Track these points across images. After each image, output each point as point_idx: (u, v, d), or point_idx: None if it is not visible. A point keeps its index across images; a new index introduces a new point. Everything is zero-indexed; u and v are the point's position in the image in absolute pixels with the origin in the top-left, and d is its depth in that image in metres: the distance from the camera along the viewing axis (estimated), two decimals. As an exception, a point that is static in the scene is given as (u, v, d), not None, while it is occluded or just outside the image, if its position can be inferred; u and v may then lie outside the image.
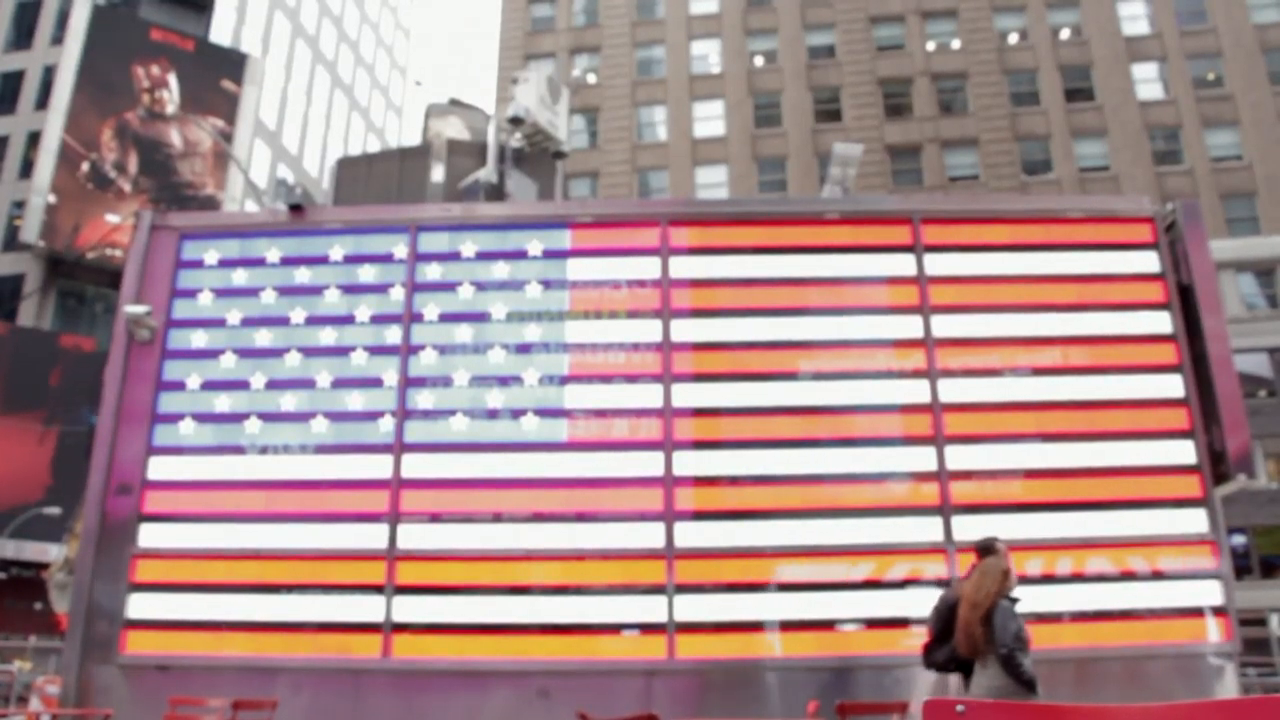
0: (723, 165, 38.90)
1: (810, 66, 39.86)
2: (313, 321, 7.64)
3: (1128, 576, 6.82)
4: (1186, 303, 7.43)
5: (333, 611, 6.92)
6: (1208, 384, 7.18)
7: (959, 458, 7.08)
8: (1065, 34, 39.01)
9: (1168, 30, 37.79)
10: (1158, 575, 6.80)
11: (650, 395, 7.27)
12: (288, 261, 7.82)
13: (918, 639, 6.77)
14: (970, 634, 5.07)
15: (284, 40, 45.98)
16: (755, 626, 6.81)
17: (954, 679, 6.42)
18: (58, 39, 37.87)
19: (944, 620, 5.49)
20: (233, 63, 39.22)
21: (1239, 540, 30.01)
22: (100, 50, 36.11)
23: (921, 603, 6.76)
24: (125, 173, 36.03)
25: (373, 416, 7.34)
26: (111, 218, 34.60)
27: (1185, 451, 7.10)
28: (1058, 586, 6.81)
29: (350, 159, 12.05)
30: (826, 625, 6.78)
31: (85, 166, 35.21)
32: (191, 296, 7.76)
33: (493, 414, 7.30)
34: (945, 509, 6.94)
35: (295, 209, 8.00)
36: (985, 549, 5.45)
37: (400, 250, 7.76)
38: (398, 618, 6.84)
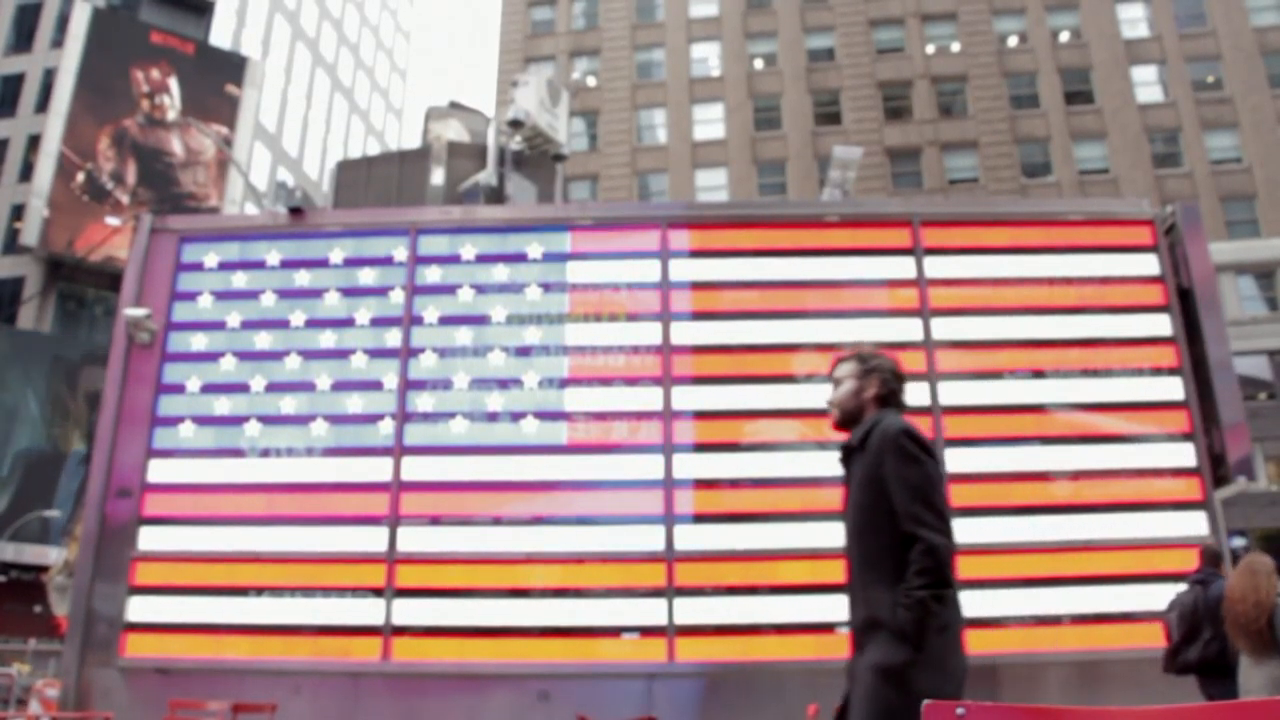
0: (722, 168, 38.92)
1: (810, 69, 39.89)
2: (312, 324, 7.64)
3: (1128, 579, 6.81)
4: (1186, 305, 7.43)
5: (333, 614, 6.92)
6: (1208, 387, 7.18)
7: (959, 460, 7.07)
8: (1065, 37, 39.05)
9: (1167, 33, 37.83)
10: (1158, 578, 6.80)
11: (650, 398, 7.28)
12: (287, 264, 7.82)
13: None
14: (1256, 632, 4.97)
15: (284, 43, 46.03)
16: (755, 629, 6.80)
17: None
18: (58, 42, 37.87)
19: (1192, 622, 5.50)
20: (233, 66, 39.23)
21: (1239, 543, 29.97)
22: (99, 54, 36.03)
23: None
24: (123, 183, 35.82)
25: (373, 419, 7.34)
26: (112, 220, 34.57)
27: (1185, 454, 7.11)
28: (1058, 589, 6.80)
29: (350, 162, 12.06)
30: (826, 628, 6.78)
31: (80, 177, 34.91)
32: (191, 299, 7.76)
33: (492, 417, 7.30)
34: (945, 512, 6.93)
35: (295, 212, 8.00)
36: (1216, 552, 5.47)
37: (400, 253, 7.76)
38: (398, 620, 6.84)
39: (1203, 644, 5.52)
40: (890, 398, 3.46)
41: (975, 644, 6.58)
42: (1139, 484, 7.06)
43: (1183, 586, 6.13)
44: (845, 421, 3.52)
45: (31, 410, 32.92)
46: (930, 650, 3.06)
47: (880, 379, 3.45)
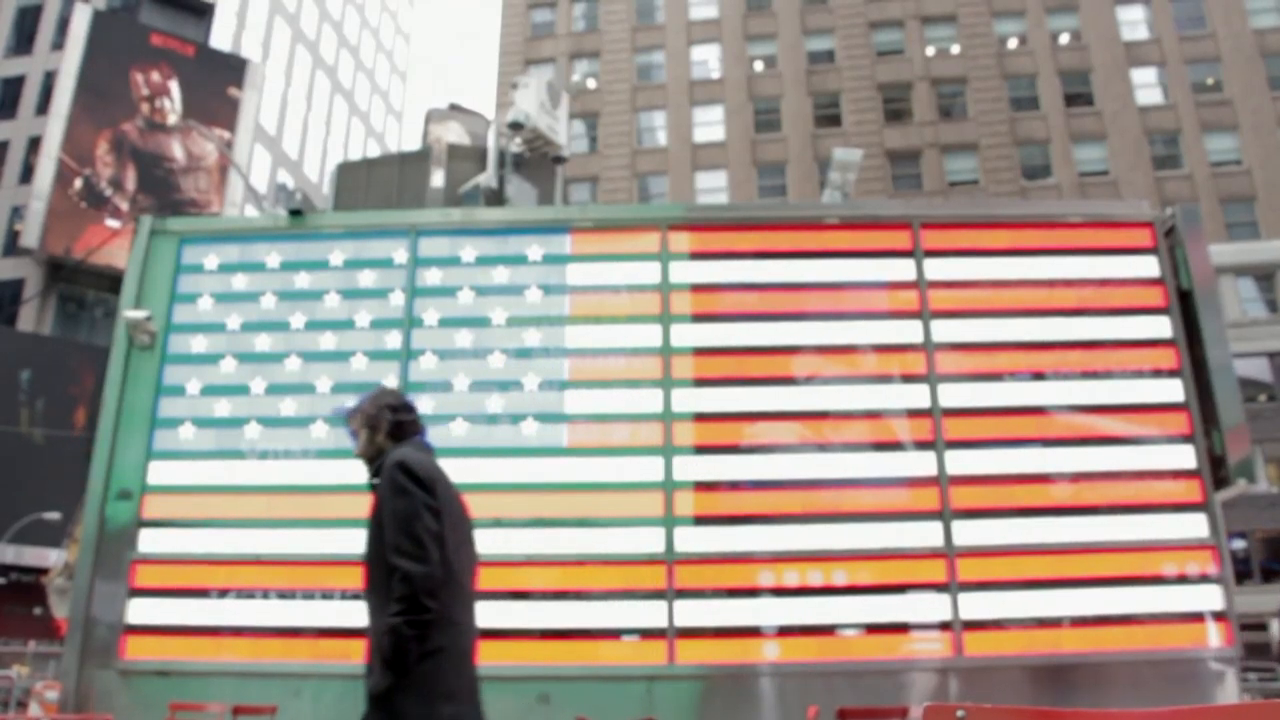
0: (722, 170, 38.95)
1: (810, 72, 39.92)
2: (313, 326, 7.64)
3: (1128, 581, 6.81)
4: (1186, 307, 7.44)
5: (333, 617, 6.91)
6: (1208, 389, 7.18)
7: (959, 462, 7.08)
8: (1064, 39, 39.09)
9: (1167, 35, 37.86)
10: (1158, 580, 6.80)
11: (650, 400, 7.28)
12: (288, 266, 7.82)
13: (918, 643, 6.78)
14: None
15: (284, 45, 46.06)
16: (755, 632, 6.80)
17: (954, 684, 6.43)
18: (58, 44, 37.88)
19: None
20: (233, 68, 39.24)
21: (1239, 545, 29.97)
22: (100, 56, 35.98)
23: (921, 607, 6.76)
24: (122, 189, 35.71)
25: (373, 421, 7.33)
26: (111, 222, 34.53)
27: (1185, 456, 7.10)
28: (1058, 591, 6.80)
29: (350, 164, 12.06)
30: (827, 630, 6.78)
31: (78, 183, 34.80)
32: (191, 301, 7.77)
33: (493, 419, 7.30)
34: (945, 514, 6.94)
35: (295, 214, 8.01)
36: None
37: (400, 255, 7.77)
38: (397, 623, 6.83)
39: None
40: (400, 429, 3.84)
41: (976, 645, 6.62)
42: (1139, 486, 7.05)
43: None
44: (373, 465, 3.86)
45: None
46: (414, 676, 3.27)
47: (383, 420, 3.83)
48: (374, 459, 3.89)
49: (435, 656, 3.35)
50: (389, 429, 3.82)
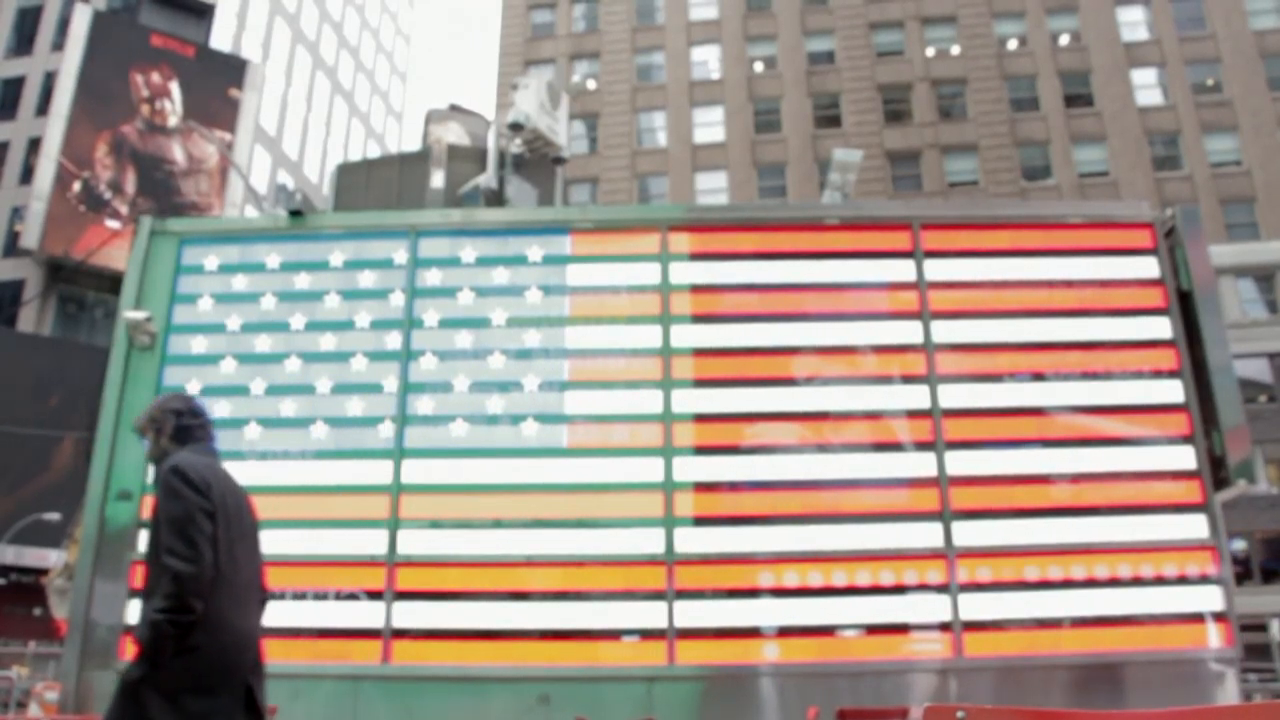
0: (722, 171, 38.96)
1: (810, 72, 39.93)
2: (312, 327, 7.64)
3: (1128, 582, 6.81)
4: (1186, 308, 7.44)
5: (332, 617, 6.92)
6: (1208, 390, 7.18)
7: (959, 463, 7.08)
8: (1065, 40, 39.10)
9: (1167, 36, 37.87)
10: (1158, 580, 6.80)
11: (650, 401, 7.28)
12: (288, 267, 7.82)
13: (918, 644, 6.77)
14: None
15: (284, 46, 46.07)
16: (755, 632, 6.80)
17: (954, 685, 6.43)
18: (59, 45, 37.87)
19: None
20: (234, 69, 39.22)
21: (1239, 545, 29.97)
22: (100, 57, 35.93)
23: (921, 608, 6.77)
24: (122, 192, 35.63)
25: (372, 422, 7.34)
26: (111, 223, 34.51)
27: (1185, 457, 7.10)
28: (1057, 592, 6.80)
29: (350, 164, 12.06)
30: (827, 631, 6.78)
31: (77, 186, 34.72)
32: (191, 302, 7.77)
33: (493, 419, 7.30)
34: (945, 514, 6.94)
35: (295, 214, 8.01)
36: None
37: (400, 256, 7.77)
38: (398, 623, 6.84)
39: None
40: (184, 434, 4.02)
41: (976, 646, 6.62)
42: (1139, 487, 7.05)
43: None
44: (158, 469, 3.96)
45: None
46: (169, 670, 3.42)
47: (167, 424, 4.00)
48: (160, 462, 4.02)
49: (191, 655, 3.46)
50: (172, 433, 3.98)
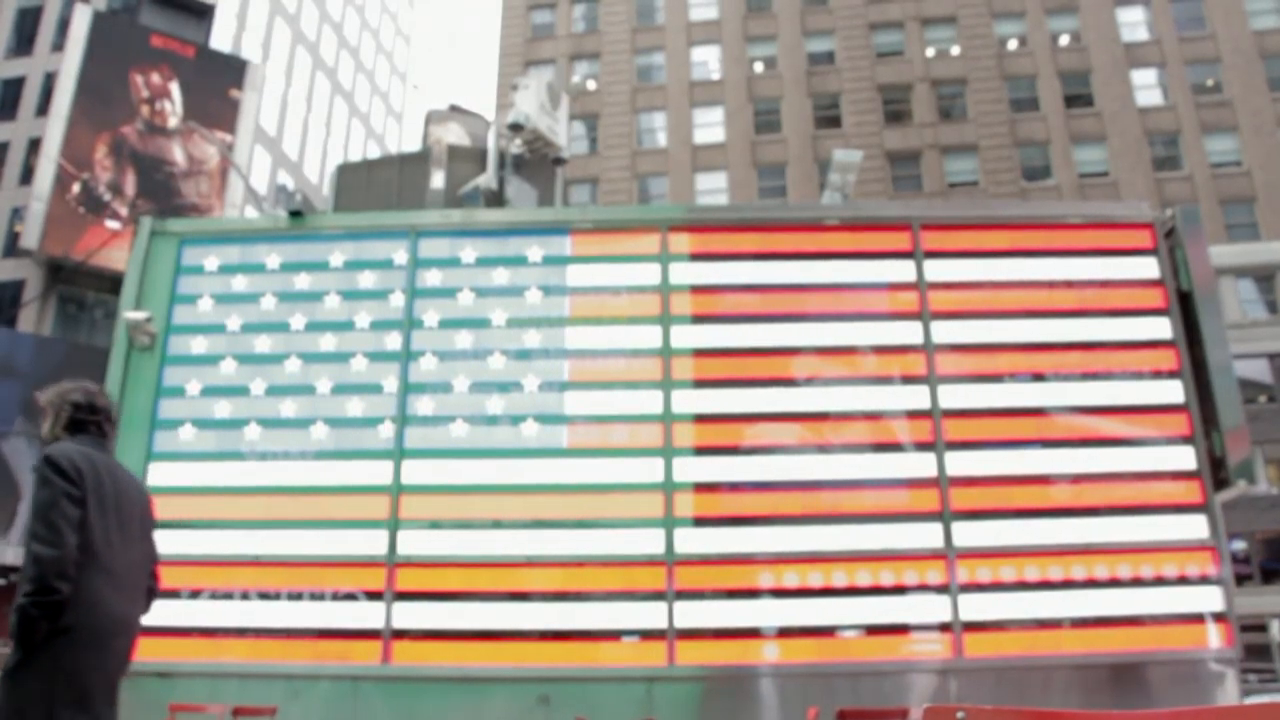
0: (722, 171, 38.95)
1: (810, 73, 39.93)
2: (313, 327, 7.64)
3: (1128, 582, 6.81)
4: (1186, 308, 7.44)
5: (332, 618, 6.92)
6: (1208, 390, 7.18)
7: (959, 463, 7.08)
8: (1064, 40, 39.09)
9: (1167, 37, 37.87)
10: (1158, 581, 6.80)
11: (650, 401, 7.28)
12: (288, 267, 7.83)
13: (918, 644, 6.78)
14: None
15: (284, 46, 46.06)
16: (755, 633, 6.80)
17: (954, 685, 6.43)
18: (59, 45, 37.86)
19: None
20: (234, 69, 39.18)
21: (1239, 546, 29.96)
22: (100, 57, 35.89)
23: (921, 608, 6.77)
24: (121, 194, 35.56)
25: (372, 422, 7.34)
26: (111, 224, 34.48)
27: (1185, 457, 7.10)
28: (1057, 592, 6.80)
29: (350, 165, 12.05)
30: (827, 631, 6.78)
31: (76, 188, 34.64)
32: (191, 302, 7.77)
33: (493, 420, 7.30)
34: (945, 515, 6.94)
35: (295, 215, 8.01)
36: None
37: (400, 256, 7.77)
38: (398, 624, 6.84)
39: None
40: (76, 426, 3.94)
41: (976, 647, 6.62)
42: (1139, 487, 7.05)
43: None
44: None
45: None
46: (40, 655, 3.43)
47: (63, 412, 3.94)
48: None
49: (65, 635, 3.48)
50: (65, 422, 3.94)
